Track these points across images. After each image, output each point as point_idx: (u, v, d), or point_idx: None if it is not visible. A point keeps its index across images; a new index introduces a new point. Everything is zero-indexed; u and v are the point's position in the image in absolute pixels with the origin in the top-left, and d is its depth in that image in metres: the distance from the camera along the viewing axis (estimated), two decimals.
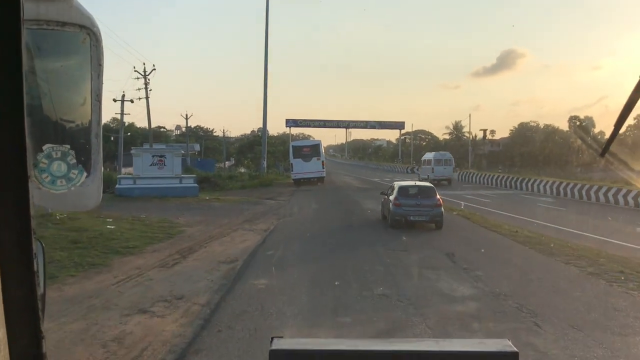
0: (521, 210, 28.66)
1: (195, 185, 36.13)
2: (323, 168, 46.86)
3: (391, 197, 20.35)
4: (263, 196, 35.14)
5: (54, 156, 1.94)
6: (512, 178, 47.32)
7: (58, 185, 1.95)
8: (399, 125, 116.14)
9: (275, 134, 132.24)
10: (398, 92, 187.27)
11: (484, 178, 52.57)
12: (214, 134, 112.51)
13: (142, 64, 68.37)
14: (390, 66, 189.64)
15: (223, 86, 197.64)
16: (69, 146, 1.94)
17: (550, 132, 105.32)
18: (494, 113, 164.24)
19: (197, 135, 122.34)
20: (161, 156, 35.96)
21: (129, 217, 21.89)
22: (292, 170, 47.21)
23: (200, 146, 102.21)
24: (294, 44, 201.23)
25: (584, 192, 36.06)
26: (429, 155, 56.14)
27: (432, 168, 50.81)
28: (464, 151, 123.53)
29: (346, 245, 17.61)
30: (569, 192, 37.75)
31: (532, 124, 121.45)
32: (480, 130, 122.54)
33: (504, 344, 1.90)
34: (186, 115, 77.27)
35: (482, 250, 16.67)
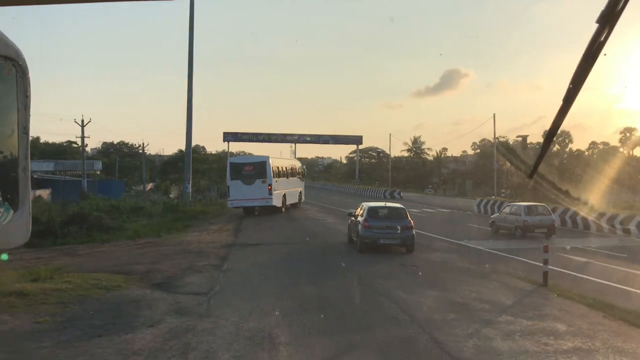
0: None
1: None
2: (270, 194, 32.71)
3: (360, 219, 18.60)
4: (163, 261, 16.34)
5: None
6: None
7: None
8: (356, 140, 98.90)
9: (214, 152, 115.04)
10: (342, 110, 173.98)
11: None
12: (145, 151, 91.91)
13: None
14: (335, 85, 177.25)
15: (156, 101, 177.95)
16: None
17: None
18: (436, 132, 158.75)
19: (120, 152, 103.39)
20: None
21: None
22: (228, 196, 33.65)
23: (116, 165, 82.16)
24: (236, 57, 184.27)
25: None
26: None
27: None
28: (426, 170, 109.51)
29: None
30: None
31: (502, 138, 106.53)
32: (443, 148, 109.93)
33: None
34: (82, 121, 55.86)
35: None
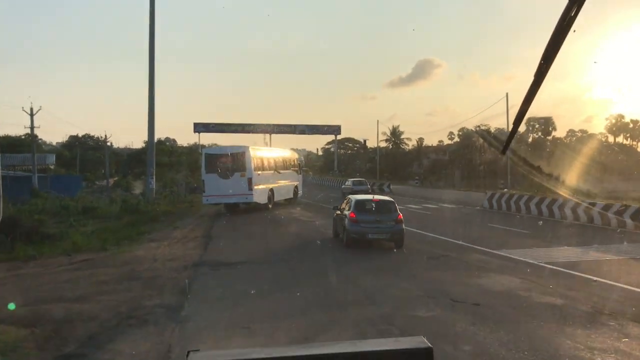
0: None
1: None
2: (250, 190, 28.59)
3: (346, 212, 17.49)
4: (95, 297, 10.96)
5: None
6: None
7: None
8: (335, 130, 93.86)
9: (185, 144, 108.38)
10: (317, 102, 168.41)
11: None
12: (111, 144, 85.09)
13: None
14: (311, 76, 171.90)
15: (125, 93, 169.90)
16: None
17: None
18: (409, 122, 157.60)
19: (85, 145, 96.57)
20: None
21: None
22: (203, 191, 29.85)
23: (77, 158, 75.51)
24: (210, 49, 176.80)
25: None
26: None
27: None
28: (407, 159, 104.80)
29: None
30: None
31: (483, 127, 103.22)
32: (420, 138, 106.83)
33: (419, 341, 1.98)
34: (31, 110, 49.36)
35: None
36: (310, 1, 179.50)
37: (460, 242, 17.73)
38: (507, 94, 48.71)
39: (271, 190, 31.02)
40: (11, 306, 10.33)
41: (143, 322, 9.35)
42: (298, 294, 11.09)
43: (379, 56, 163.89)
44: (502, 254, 15.71)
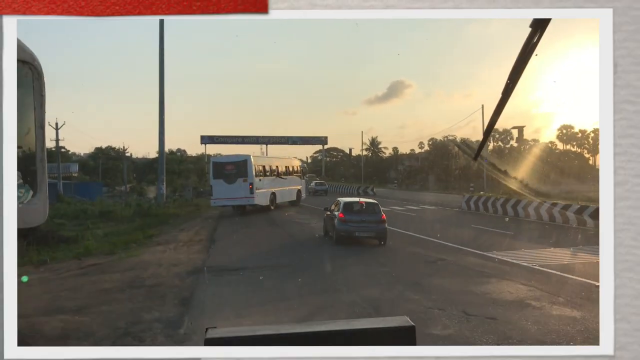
0: None
1: None
2: (252, 193, 28.07)
3: (336, 213, 17.22)
4: (92, 308, 8.97)
5: None
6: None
7: None
8: (323, 141, 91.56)
9: (194, 154, 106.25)
10: (306, 118, 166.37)
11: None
12: (130, 154, 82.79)
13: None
14: (301, 94, 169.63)
15: (145, 108, 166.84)
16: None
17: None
18: (384, 133, 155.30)
19: (108, 155, 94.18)
20: None
21: None
22: (211, 195, 29.55)
23: (98, 167, 73.09)
24: (216, 72, 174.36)
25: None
26: None
27: None
28: (384, 166, 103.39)
29: None
30: None
31: (450, 137, 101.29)
32: (394, 147, 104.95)
33: (403, 320, 2.12)
34: (56, 124, 47.16)
35: None
36: (301, 32, 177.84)
37: (451, 245, 15.77)
38: (482, 106, 46.76)
39: (273, 193, 30.27)
40: None
41: (139, 341, 7.35)
42: (307, 304, 9.09)
43: (359, 78, 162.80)
44: (494, 256, 13.77)
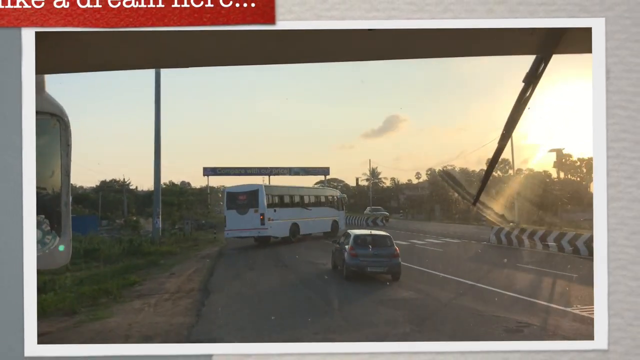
0: None
1: None
2: (263, 224, 26.52)
3: (346, 247, 16.28)
4: None
5: None
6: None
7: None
8: (324, 171, 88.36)
9: (198, 187, 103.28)
10: (306, 151, 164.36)
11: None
12: (131, 187, 79.40)
13: None
14: (302, 129, 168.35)
15: (148, 142, 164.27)
16: (43, 216, 2.05)
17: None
18: (381, 165, 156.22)
19: (111, 188, 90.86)
20: None
21: None
22: (225, 226, 28.28)
23: (99, 200, 69.35)
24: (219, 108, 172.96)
25: None
26: None
27: None
28: (386, 196, 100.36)
29: None
30: None
31: (449, 167, 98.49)
32: (392, 177, 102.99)
33: None
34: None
35: None
36: (300, 73, 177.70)
37: (517, 296, 11.65)
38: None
39: (295, 224, 28.48)
40: None
41: None
42: None
43: (357, 113, 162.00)
44: (583, 314, 9.73)
